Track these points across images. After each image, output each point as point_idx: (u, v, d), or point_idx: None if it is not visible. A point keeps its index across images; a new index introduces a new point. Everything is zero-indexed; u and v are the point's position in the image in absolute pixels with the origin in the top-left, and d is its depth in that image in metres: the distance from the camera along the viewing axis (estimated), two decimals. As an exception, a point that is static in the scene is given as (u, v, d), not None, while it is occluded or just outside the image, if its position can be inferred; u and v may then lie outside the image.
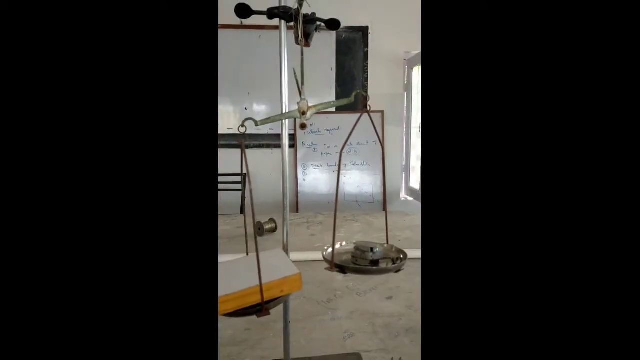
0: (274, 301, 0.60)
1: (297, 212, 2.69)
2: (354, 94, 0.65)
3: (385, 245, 0.72)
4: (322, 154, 2.91)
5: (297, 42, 0.64)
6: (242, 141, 0.53)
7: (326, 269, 0.65)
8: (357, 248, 0.69)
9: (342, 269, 0.64)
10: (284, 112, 0.66)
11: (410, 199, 2.91)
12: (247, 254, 0.71)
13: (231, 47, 2.78)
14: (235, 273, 0.65)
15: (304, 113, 0.58)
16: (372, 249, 0.67)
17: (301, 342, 0.90)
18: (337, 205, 0.63)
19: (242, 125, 0.52)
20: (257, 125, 0.55)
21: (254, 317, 0.99)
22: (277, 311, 1.02)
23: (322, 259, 0.68)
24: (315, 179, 2.92)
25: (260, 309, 0.57)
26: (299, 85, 0.56)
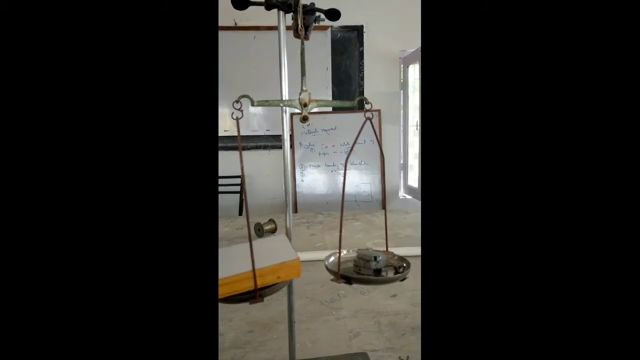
0: (269, 288, 0.57)
1: (296, 212, 2.67)
2: (357, 99, 0.63)
3: (387, 253, 0.71)
4: (319, 154, 2.89)
5: (295, 35, 0.62)
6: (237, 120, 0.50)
7: (332, 280, 0.64)
8: (359, 257, 0.68)
9: (348, 279, 0.63)
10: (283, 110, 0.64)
11: (409, 197, 2.90)
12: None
13: (226, 48, 2.76)
14: (232, 258, 0.63)
15: (305, 105, 0.56)
16: (375, 258, 0.67)
17: (306, 343, 0.88)
18: (342, 222, 0.61)
19: (237, 101, 0.48)
20: (253, 105, 0.52)
21: (257, 318, 0.99)
22: (280, 312, 1.01)
23: (326, 269, 0.67)
24: (313, 180, 2.90)
25: (253, 295, 0.55)
26: (303, 69, 0.54)
